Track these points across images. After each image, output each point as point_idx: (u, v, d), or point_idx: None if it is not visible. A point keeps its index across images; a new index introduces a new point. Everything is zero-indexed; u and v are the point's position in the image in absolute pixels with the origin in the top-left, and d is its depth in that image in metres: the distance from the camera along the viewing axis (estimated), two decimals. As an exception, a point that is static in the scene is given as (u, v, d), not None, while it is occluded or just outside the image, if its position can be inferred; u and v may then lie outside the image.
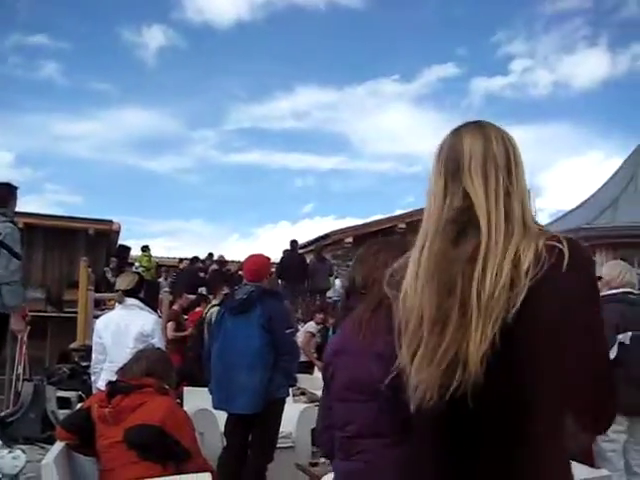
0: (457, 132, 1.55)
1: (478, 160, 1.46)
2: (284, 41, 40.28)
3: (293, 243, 17.12)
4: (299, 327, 10.71)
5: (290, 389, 6.06)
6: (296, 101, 40.98)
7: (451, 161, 1.50)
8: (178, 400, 5.00)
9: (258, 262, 5.53)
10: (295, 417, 6.27)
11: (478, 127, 1.54)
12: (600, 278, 5.48)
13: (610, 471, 4.91)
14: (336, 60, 40.51)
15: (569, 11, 42.80)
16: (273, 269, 17.22)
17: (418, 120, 41.89)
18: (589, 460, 5.17)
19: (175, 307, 11.30)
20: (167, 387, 3.74)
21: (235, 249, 51.72)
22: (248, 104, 42.28)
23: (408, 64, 41.98)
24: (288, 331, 5.25)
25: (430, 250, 1.44)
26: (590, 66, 46.06)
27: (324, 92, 44.51)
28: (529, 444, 1.38)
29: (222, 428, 5.49)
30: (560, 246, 1.35)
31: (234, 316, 5.21)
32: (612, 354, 4.96)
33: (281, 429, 5.45)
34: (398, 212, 19.65)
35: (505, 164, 1.46)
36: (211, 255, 18.73)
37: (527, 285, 1.31)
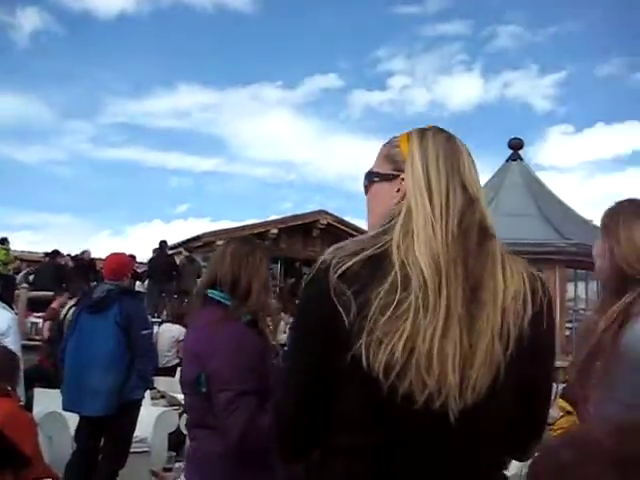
0: (444, 133, 1.51)
1: (471, 163, 1.47)
2: (168, 38, 39.50)
3: (162, 243, 16.81)
4: (170, 328, 10.39)
5: (148, 392, 5.90)
6: (177, 100, 40.19)
7: (450, 156, 1.45)
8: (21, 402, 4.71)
9: (118, 261, 5.37)
10: (152, 421, 6.10)
11: (441, 132, 1.52)
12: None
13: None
14: (220, 62, 40.15)
15: (449, 36, 44.73)
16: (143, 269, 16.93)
17: (298, 128, 42.23)
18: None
19: (54, 305, 10.53)
20: (9, 389, 3.52)
21: (105, 246, 49.97)
22: (126, 99, 41.17)
23: (292, 71, 42.29)
24: (145, 332, 5.11)
25: (445, 238, 1.34)
26: (465, 89, 48.26)
27: (206, 93, 44.09)
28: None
29: (73, 431, 5.26)
30: (543, 278, 1.40)
31: (90, 315, 5.00)
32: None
33: (136, 433, 5.28)
34: (273, 217, 19.72)
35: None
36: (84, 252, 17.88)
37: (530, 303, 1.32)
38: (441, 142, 1.46)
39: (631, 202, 1.98)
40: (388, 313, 1.26)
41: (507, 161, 14.07)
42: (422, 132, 1.50)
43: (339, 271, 1.33)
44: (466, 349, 1.25)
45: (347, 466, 1.33)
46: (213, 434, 2.35)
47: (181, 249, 18.32)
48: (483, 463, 1.33)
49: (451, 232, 1.34)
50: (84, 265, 16.47)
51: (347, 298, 1.31)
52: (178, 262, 16.66)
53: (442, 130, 1.52)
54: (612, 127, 50.00)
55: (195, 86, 48.44)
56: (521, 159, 14.06)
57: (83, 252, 17.64)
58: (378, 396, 1.26)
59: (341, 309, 1.30)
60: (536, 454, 0.78)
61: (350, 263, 1.34)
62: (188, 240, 19.26)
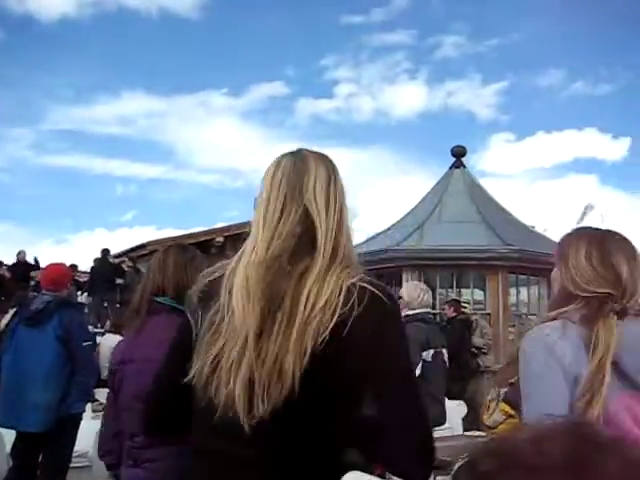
0: (299, 154, 1.61)
1: (323, 184, 1.54)
2: (111, 43, 38.90)
3: (104, 251, 16.53)
4: (112, 338, 10.18)
5: (90, 404, 5.77)
6: (122, 106, 39.56)
7: (293, 180, 1.55)
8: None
9: (57, 271, 5.24)
10: (93, 434, 5.95)
11: (321, 155, 1.62)
12: (400, 298, 5.76)
13: (403, 482, 5.13)
14: (165, 68, 39.78)
15: (393, 45, 45.27)
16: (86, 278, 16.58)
17: (245, 135, 42.09)
18: (380, 471, 5.35)
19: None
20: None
21: (47, 255, 48.74)
22: (69, 105, 40.36)
23: (238, 79, 42.16)
24: (86, 344, 4.99)
25: (258, 262, 1.49)
26: (409, 98, 48.87)
27: (151, 100, 43.55)
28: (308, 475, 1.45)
29: (9, 448, 5.10)
30: (371, 288, 1.44)
31: (28, 327, 4.86)
32: (417, 371, 5.21)
33: (77, 447, 5.15)
34: (219, 225, 19.56)
35: (341, 197, 1.56)
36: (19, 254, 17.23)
37: (338, 315, 1.39)
38: (287, 167, 1.57)
39: (584, 229, 2.10)
40: (210, 332, 1.46)
41: (450, 168, 14.28)
42: (276, 161, 1.62)
43: (198, 289, 1.58)
44: (259, 366, 1.39)
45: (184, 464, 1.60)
46: (175, 453, 2.18)
47: (125, 258, 18.03)
48: (282, 472, 1.44)
49: (263, 256, 1.48)
50: (21, 270, 15.98)
51: (197, 315, 1.54)
52: (123, 271, 16.40)
53: (294, 153, 1.61)
54: (552, 135, 51.23)
55: (140, 93, 47.89)
56: (464, 166, 14.29)
57: (18, 253, 17.00)
58: (197, 405, 1.47)
59: (192, 323, 1.54)
60: (458, 465, 0.78)
61: (203, 282, 1.58)
62: (132, 249, 18.95)
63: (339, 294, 1.41)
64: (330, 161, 1.63)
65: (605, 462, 0.68)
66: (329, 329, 1.38)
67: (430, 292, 5.83)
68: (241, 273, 1.48)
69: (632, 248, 1.99)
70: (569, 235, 2.08)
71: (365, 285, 1.44)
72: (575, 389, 1.79)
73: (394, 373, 1.49)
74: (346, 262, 1.50)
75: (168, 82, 42.42)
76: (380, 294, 1.45)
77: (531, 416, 1.82)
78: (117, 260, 17.48)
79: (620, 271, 1.90)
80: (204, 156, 44.88)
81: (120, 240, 28.57)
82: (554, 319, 1.90)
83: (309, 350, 1.37)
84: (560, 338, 1.82)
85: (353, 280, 1.44)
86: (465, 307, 10.55)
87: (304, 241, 1.49)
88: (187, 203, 40.67)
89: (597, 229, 2.07)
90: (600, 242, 1.97)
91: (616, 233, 2.03)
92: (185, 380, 1.47)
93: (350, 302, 1.40)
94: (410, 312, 5.48)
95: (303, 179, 1.55)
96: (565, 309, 1.90)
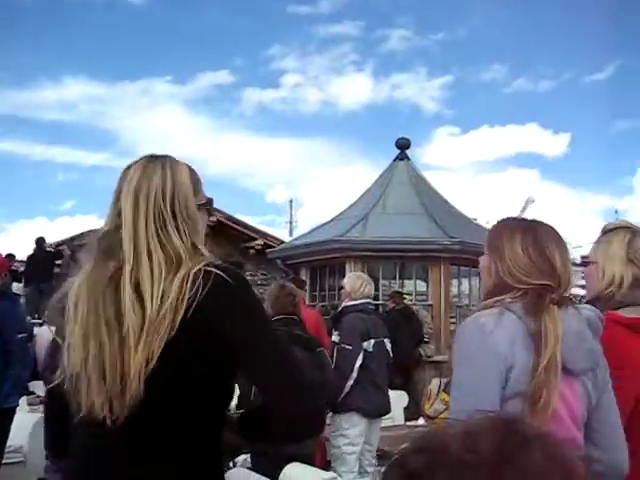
0: (143, 162, 1.67)
1: (133, 187, 1.60)
2: (54, 27, 37.87)
3: (39, 240, 16.11)
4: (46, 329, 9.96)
5: (25, 398, 5.63)
6: (64, 92, 38.59)
7: (118, 187, 1.65)
8: None
9: (-9, 260, 5.07)
10: (28, 428, 5.78)
11: (147, 159, 1.68)
12: (342, 288, 5.78)
13: (347, 472, 5.15)
14: (108, 54, 38.92)
15: (340, 36, 45.34)
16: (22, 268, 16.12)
17: (190, 124, 41.62)
18: (321, 463, 5.36)
19: None
20: None
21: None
22: (8, 88, 39.04)
23: (182, 67, 41.57)
24: (20, 336, 4.85)
25: (87, 271, 1.58)
26: (355, 89, 49.06)
27: (94, 86, 42.60)
28: (178, 460, 1.49)
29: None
30: (217, 272, 1.49)
31: (-40, 319, 4.69)
32: (359, 361, 5.23)
33: (11, 442, 5.00)
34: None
35: (164, 195, 1.59)
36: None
37: (184, 307, 1.44)
38: (135, 174, 1.63)
39: (513, 219, 2.10)
40: (66, 342, 1.53)
41: (394, 160, 14.36)
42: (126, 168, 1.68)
43: (55, 301, 1.66)
44: (112, 369, 1.46)
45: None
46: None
47: (64, 247, 17.61)
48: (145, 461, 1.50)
49: (97, 263, 1.56)
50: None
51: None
52: (60, 260, 16.01)
53: (146, 159, 1.67)
54: (495, 130, 52.24)
55: (82, 78, 46.86)
56: (408, 158, 14.39)
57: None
58: (72, 406, 1.54)
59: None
60: (387, 464, 0.78)
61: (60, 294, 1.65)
62: (72, 238, 18.52)
63: (186, 284, 1.45)
64: (158, 162, 1.67)
65: (530, 457, 0.69)
66: (178, 320, 1.43)
67: (372, 283, 5.86)
68: (81, 280, 1.57)
69: (561, 238, 2.01)
70: (500, 225, 2.09)
71: (210, 269, 1.48)
72: (508, 379, 1.80)
73: (254, 346, 1.51)
74: (194, 257, 1.55)
75: (111, 68, 41.70)
76: (223, 274, 1.49)
77: (459, 403, 1.85)
78: (55, 249, 17.06)
79: (554, 262, 1.92)
80: (148, 144, 44.17)
81: (61, 229, 27.94)
82: (491, 307, 1.91)
83: (160, 345, 1.43)
84: (496, 327, 1.83)
85: (199, 266, 1.49)
86: (405, 298, 10.67)
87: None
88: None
89: (525, 219, 2.08)
90: (534, 233, 1.98)
91: (545, 223, 2.05)
92: (52, 386, 1.58)
93: (195, 288, 1.45)
94: (351, 303, 5.51)
95: (149, 186, 1.60)
96: (502, 297, 1.91)
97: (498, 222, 2.12)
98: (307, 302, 10.33)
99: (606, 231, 2.43)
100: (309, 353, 4.59)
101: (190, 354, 1.47)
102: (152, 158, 1.67)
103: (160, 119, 38.87)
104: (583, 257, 2.50)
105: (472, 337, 1.87)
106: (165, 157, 1.69)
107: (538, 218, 2.08)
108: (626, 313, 2.24)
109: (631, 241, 2.32)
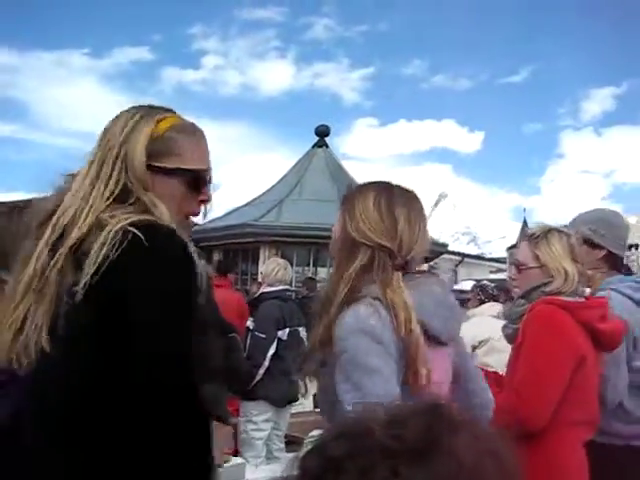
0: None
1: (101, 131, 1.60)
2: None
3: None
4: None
5: None
6: (-32, 58, 36.62)
7: None
8: None
9: None
10: None
11: (135, 108, 1.63)
12: (260, 274, 5.72)
13: (254, 457, 5.13)
14: (21, 21, 37.22)
15: (263, 21, 45.01)
16: None
17: (106, 100, 40.31)
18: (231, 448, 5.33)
19: None
20: None
21: None
22: None
23: (100, 40, 40.21)
24: None
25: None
26: (277, 75, 48.90)
27: (3, 54, 40.63)
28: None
29: None
30: (135, 231, 1.38)
31: None
32: (272, 350, 5.19)
33: None
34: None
35: (114, 144, 1.55)
36: None
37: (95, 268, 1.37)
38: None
39: (369, 182, 2.08)
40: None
41: (313, 147, 14.40)
42: None
43: None
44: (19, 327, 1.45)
45: None
46: None
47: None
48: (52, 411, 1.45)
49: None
50: None
51: None
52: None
53: (134, 108, 1.64)
54: (413, 124, 53.17)
55: (-7, 46, 44.65)
56: (327, 146, 14.45)
57: None
58: None
59: None
60: (306, 449, 0.74)
61: None
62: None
63: (106, 242, 1.39)
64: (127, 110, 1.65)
65: (459, 442, 0.68)
66: (87, 280, 1.37)
67: (288, 268, 5.80)
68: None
69: (416, 204, 2.00)
70: (359, 185, 2.08)
71: (129, 229, 1.39)
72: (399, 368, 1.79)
73: (136, 325, 1.41)
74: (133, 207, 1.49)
75: (24, 36, 39.85)
76: (141, 236, 1.39)
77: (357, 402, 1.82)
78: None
79: (398, 224, 1.91)
80: (62, 117, 42.81)
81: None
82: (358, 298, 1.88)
83: (52, 295, 1.43)
84: (375, 320, 1.81)
85: (123, 223, 1.41)
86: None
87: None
88: (41, 166, 38.55)
89: (383, 181, 2.06)
90: (388, 193, 1.97)
91: (405, 187, 2.04)
92: None
93: (112, 247, 1.38)
94: (269, 289, 5.45)
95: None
96: (353, 267, 1.87)
97: (357, 185, 2.11)
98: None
99: (537, 234, 2.53)
100: (218, 337, 4.54)
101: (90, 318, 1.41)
102: (138, 108, 1.64)
103: (75, 93, 37.60)
104: (517, 263, 2.57)
105: (359, 336, 1.81)
106: (152, 110, 1.64)
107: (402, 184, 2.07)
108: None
109: (568, 242, 2.49)
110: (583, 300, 2.42)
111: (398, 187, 2.01)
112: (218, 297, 5.72)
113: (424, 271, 1.97)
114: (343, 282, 1.86)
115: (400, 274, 1.85)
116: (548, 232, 2.52)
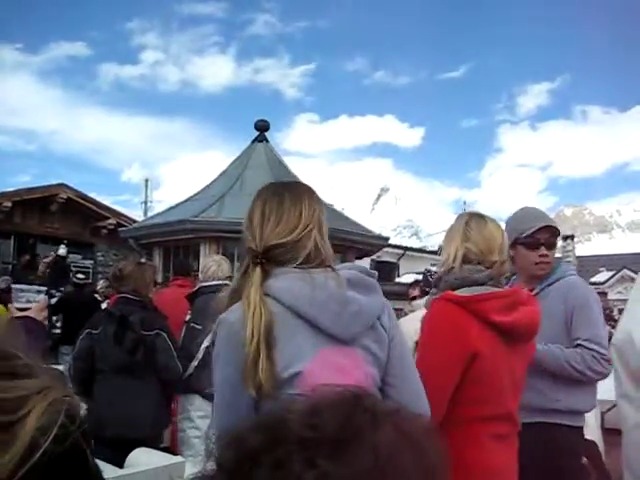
0: None
1: None
2: None
3: None
4: None
5: None
6: None
7: None
8: None
9: None
10: None
11: None
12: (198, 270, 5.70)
13: (192, 456, 5.08)
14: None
15: (204, 17, 44.90)
16: None
17: (42, 96, 39.65)
18: (171, 447, 5.28)
19: None
20: None
21: None
22: None
23: (34, 34, 39.37)
24: None
25: None
26: (217, 71, 48.60)
27: None
28: None
29: None
30: None
31: None
32: (207, 342, 5.15)
33: None
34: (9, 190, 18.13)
35: None
36: None
37: None
38: None
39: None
40: None
41: (253, 142, 14.30)
42: None
43: None
44: None
45: None
46: None
47: None
48: None
49: None
50: None
51: None
52: None
53: None
54: (354, 119, 53.56)
55: None
56: (267, 141, 14.38)
57: None
58: None
59: None
60: (224, 441, 0.72)
61: None
62: None
63: None
64: None
65: (378, 433, 0.67)
66: None
67: (227, 264, 5.79)
68: None
69: (274, 194, 2.04)
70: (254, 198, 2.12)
71: None
72: None
73: None
74: None
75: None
76: None
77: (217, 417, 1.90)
78: None
79: (253, 219, 2.00)
80: (-5, 114, 41.50)
81: None
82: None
83: None
84: (234, 316, 1.87)
85: None
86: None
87: None
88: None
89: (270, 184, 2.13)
90: (260, 192, 2.07)
91: (275, 183, 2.13)
92: None
93: None
94: (206, 284, 5.43)
95: None
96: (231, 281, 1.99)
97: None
98: (160, 283, 10.07)
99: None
100: (130, 333, 4.51)
101: None
102: None
103: (8, 89, 36.71)
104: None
105: (223, 340, 1.91)
106: None
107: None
108: (461, 292, 2.34)
109: (468, 222, 2.47)
110: (490, 291, 2.38)
111: (272, 184, 2.12)
112: (175, 295, 5.77)
113: (329, 266, 1.94)
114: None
115: (259, 269, 1.90)
116: (460, 216, 2.58)
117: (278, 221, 1.94)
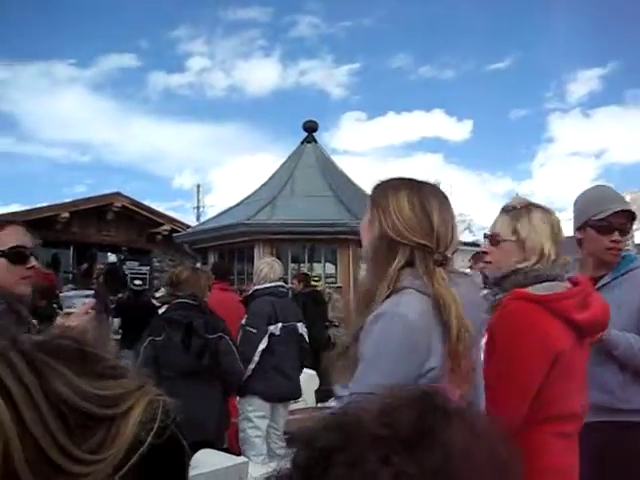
0: None
1: None
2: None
3: None
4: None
5: None
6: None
7: None
8: None
9: None
10: None
11: None
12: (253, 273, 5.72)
13: (255, 455, 5.12)
14: (6, 34, 37.05)
15: (248, 21, 44.97)
16: None
17: (94, 108, 40.26)
18: (233, 447, 5.33)
19: None
20: None
21: None
22: None
23: (86, 49, 40.07)
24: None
25: None
26: (263, 74, 48.86)
27: (-11, 67, 40.45)
28: None
29: None
30: None
31: None
32: (263, 345, 5.19)
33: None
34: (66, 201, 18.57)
35: None
36: None
37: None
38: None
39: (397, 178, 2.07)
40: None
41: (302, 143, 14.34)
42: None
43: None
44: None
45: None
46: None
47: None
48: None
49: None
50: None
51: None
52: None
53: None
54: (401, 116, 53.14)
55: (-23, 59, 44.46)
56: (315, 141, 14.41)
57: None
58: None
59: None
60: (298, 443, 0.73)
61: None
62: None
63: None
64: None
65: (450, 431, 0.67)
66: None
67: (281, 266, 5.82)
68: None
69: (446, 199, 2.01)
70: (385, 183, 2.05)
71: None
72: (426, 370, 1.79)
73: None
74: None
75: (9, 50, 39.65)
76: None
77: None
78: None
79: (432, 220, 1.91)
80: (51, 128, 42.64)
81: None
82: (396, 290, 1.88)
83: None
84: (415, 313, 1.80)
85: None
86: (317, 281, 10.65)
87: None
88: (32, 178, 38.53)
89: (409, 178, 2.05)
90: (418, 190, 1.97)
91: (430, 183, 2.04)
92: None
93: None
94: (262, 286, 5.46)
95: None
96: (393, 266, 1.88)
97: (381, 181, 2.08)
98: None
99: (517, 207, 2.43)
100: (196, 338, 4.54)
101: None
102: None
103: (63, 103, 37.51)
104: (493, 234, 2.46)
105: (394, 328, 1.81)
106: None
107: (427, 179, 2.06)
108: (536, 290, 2.27)
109: (549, 219, 2.38)
110: (563, 289, 2.30)
111: (427, 183, 2.01)
112: (219, 299, 5.76)
113: (458, 270, 1.98)
114: (386, 280, 1.87)
115: (442, 270, 1.85)
116: (530, 206, 2.41)
117: (454, 227, 1.96)
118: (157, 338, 4.58)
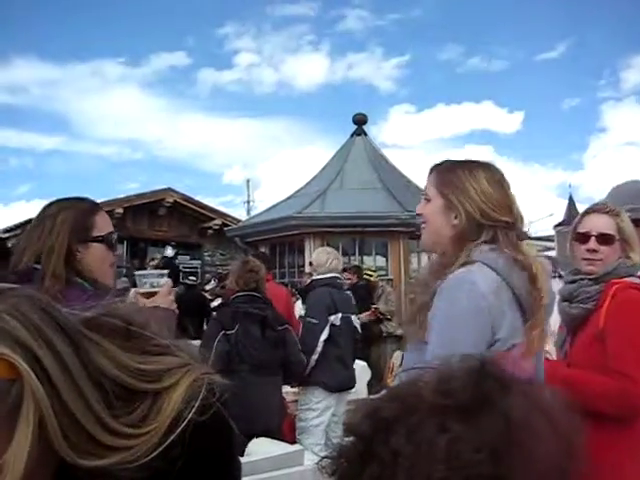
0: None
1: None
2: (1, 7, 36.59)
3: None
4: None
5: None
6: (12, 74, 37.43)
7: None
8: None
9: None
10: None
11: None
12: (311, 264, 5.76)
13: (312, 444, 5.17)
14: (58, 35, 37.93)
15: (295, 16, 45.11)
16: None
17: (145, 105, 41.00)
18: (286, 436, 5.39)
19: None
20: None
21: None
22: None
23: (135, 48, 40.71)
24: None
25: None
26: (311, 69, 48.93)
27: (45, 68, 41.52)
28: None
29: None
30: None
31: None
32: (325, 334, 5.24)
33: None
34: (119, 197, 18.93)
35: None
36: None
37: None
38: None
39: (456, 160, 2.07)
40: None
41: (352, 136, 14.31)
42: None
43: None
44: None
45: None
46: None
47: (19, 231, 17.22)
48: None
49: None
50: None
51: None
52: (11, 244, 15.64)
53: None
54: (451, 108, 52.64)
55: (32, 60, 45.63)
56: (365, 134, 14.36)
57: None
58: None
59: None
60: (359, 414, 0.76)
61: None
62: (27, 222, 18.12)
63: None
64: None
65: (508, 401, 0.69)
66: None
67: (340, 258, 5.85)
68: None
69: (507, 178, 2.03)
70: (451, 164, 2.04)
71: None
72: (494, 332, 1.82)
73: None
74: None
75: (61, 49, 40.53)
76: None
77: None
78: (9, 234, 16.69)
79: (512, 197, 1.96)
80: (103, 127, 43.54)
81: (16, 214, 27.31)
82: (468, 263, 1.90)
83: None
84: (484, 282, 1.83)
85: None
86: (371, 275, 10.60)
87: None
88: (86, 175, 39.41)
89: (469, 159, 2.05)
90: (489, 169, 1.99)
91: (492, 164, 2.06)
92: None
93: None
94: (319, 277, 5.50)
95: None
96: (473, 245, 1.91)
97: (442, 163, 2.07)
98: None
99: (613, 208, 2.53)
100: (269, 330, 4.58)
101: None
102: None
103: (114, 101, 38.28)
104: (603, 234, 2.51)
105: (462, 294, 1.85)
106: None
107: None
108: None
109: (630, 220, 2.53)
110: None
111: (487, 162, 2.05)
112: (272, 292, 5.81)
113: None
114: (464, 252, 1.91)
115: (525, 243, 1.93)
116: (617, 207, 2.55)
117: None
118: (228, 332, 4.52)
